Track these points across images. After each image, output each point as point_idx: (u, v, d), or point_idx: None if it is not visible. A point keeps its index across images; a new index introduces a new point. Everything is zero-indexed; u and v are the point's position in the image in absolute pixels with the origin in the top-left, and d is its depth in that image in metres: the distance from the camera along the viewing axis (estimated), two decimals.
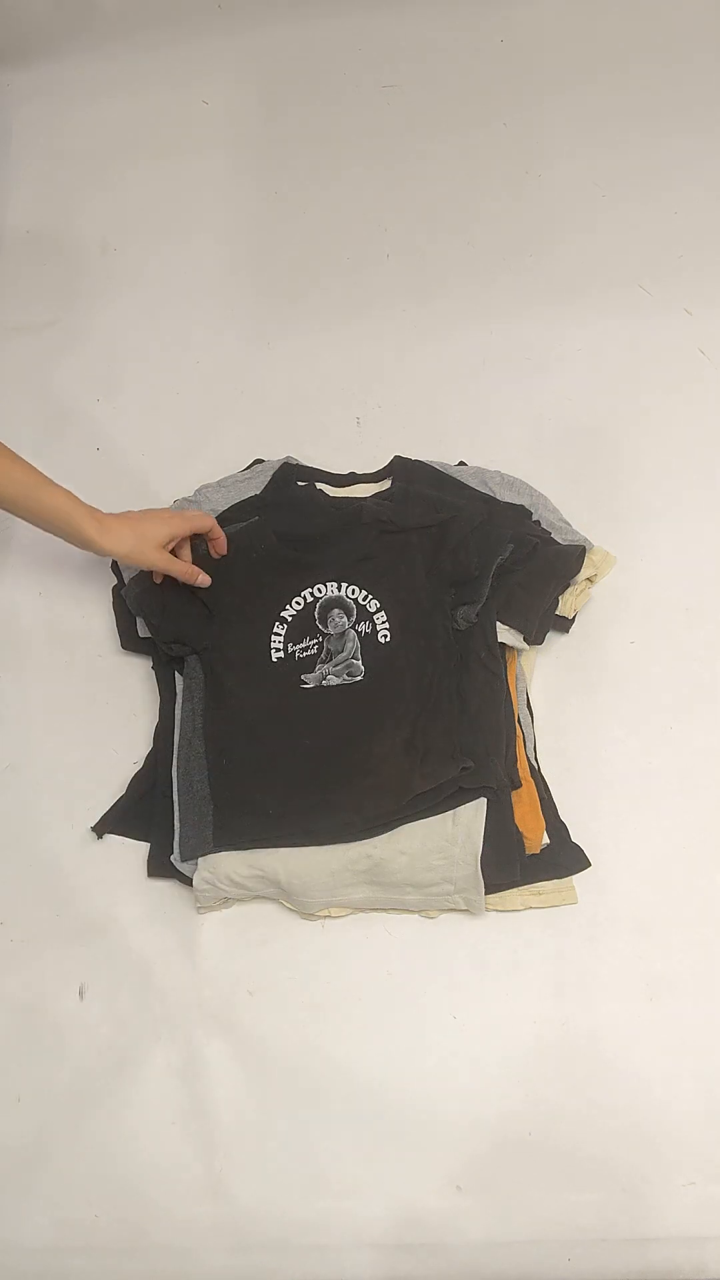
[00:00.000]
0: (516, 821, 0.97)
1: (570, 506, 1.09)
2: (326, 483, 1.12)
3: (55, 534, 0.96)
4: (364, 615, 1.02)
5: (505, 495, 1.09)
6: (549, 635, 1.05)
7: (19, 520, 0.95)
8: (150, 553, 0.97)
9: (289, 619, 1.03)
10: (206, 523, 1.02)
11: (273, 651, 1.02)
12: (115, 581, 1.10)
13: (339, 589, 1.03)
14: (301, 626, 1.02)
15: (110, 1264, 0.91)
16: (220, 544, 1.04)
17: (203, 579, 1.02)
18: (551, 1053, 0.93)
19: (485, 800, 0.96)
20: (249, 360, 1.22)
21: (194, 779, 0.99)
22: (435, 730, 0.98)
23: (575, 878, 0.98)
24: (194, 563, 1.03)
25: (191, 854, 0.97)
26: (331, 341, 1.22)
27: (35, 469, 0.94)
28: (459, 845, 0.94)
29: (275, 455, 1.13)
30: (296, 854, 0.96)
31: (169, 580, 1.03)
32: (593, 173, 1.27)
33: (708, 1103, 0.92)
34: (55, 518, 0.94)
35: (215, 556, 1.04)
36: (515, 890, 0.97)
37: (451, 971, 0.96)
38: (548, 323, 1.20)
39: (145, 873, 1.00)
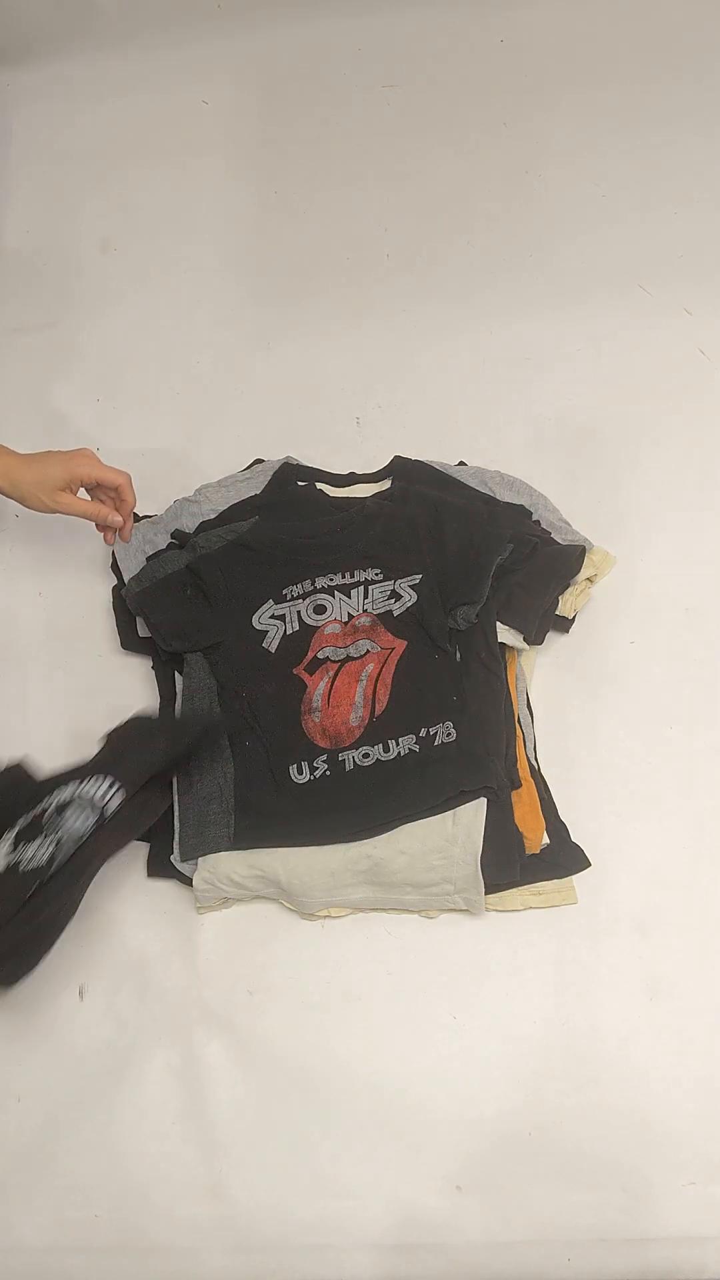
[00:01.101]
0: (516, 821, 0.97)
1: (570, 506, 1.09)
2: (326, 483, 1.12)
3: None
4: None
5: (505, 495, 1.09)
6: (549, 635, 1.05)
7: (18, 520, 0.95)
8: (45, 496, 0.95)
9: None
10: (119, 479, 0.98)
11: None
12: (115, 581, 1.10)
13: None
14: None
15: (110, 1264, 0.91)
16: (124, 511, 0.99)
17: (114, 518, 0.99)
18: (551, 1053, 0.93)
19: (485, 800, 0.96)
20: (249, 360, 1.22)
21: (194, 779, 0.99)
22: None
23: (575, 878, 0.97)
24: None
25: (191, 854, 0.97)
26: (331, 342, 1.22)
27: None
28: (459, 845, 0.94)
29: (275, 455, 1.13)
30: (296, 854, 0.96)
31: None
32: (593, 173, 1.27)
33: (708, 1103, 0.92)
34: None
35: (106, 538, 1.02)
36: (515, 890, 0.96)
37: (451, 971, 0.96)
38: (548, 323, 1.20)
39: (145, 873, 1.00)
